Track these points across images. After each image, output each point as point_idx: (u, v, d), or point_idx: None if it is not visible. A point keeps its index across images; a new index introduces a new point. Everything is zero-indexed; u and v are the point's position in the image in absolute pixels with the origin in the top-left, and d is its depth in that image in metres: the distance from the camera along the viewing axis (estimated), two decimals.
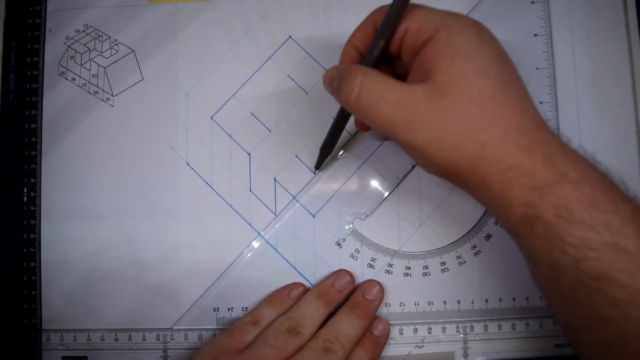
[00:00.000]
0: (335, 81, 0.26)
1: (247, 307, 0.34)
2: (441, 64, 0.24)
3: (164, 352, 0.34)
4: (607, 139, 0.34)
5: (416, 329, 0.34)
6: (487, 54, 0.24)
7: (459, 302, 0.34)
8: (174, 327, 0.34)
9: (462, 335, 0.34)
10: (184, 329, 0.34)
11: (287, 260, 0.34)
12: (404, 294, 0.34)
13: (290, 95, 0.35)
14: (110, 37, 0.36)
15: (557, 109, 0.34)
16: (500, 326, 0.34)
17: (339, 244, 0.34)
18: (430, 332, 0.34)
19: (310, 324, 0.31)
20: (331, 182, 0.35)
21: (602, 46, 0.35)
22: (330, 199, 0.35)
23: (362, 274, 0.34)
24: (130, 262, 0.35)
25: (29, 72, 0.36)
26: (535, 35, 0.35)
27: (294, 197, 0.35)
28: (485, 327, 0.34)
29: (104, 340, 0.34)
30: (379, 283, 0.33)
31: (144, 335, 0.34)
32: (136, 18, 0.36)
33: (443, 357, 0.34)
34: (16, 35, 0.36)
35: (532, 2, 0.35)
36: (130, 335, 0.34)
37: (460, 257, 0.34)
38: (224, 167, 0.35)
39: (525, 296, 0.34)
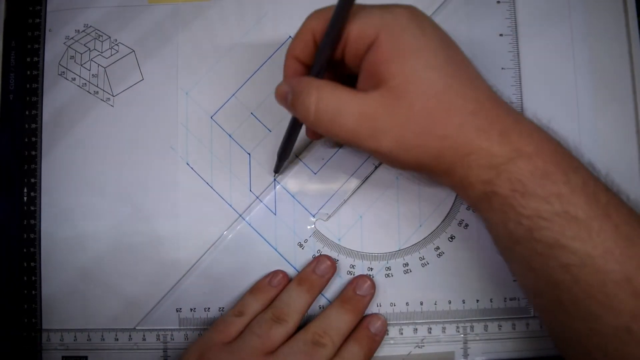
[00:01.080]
0: (288, 96, 0.26)
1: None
2: (391, 68, 0.24)
3: (164, 352, 0.34)
4: (607, 139, 0.34)
5: (416, 329, 0.34)
6: (433, 46, 0.24)
7: (421, 303, 0.34)
8: (173, 328, 0.34)
9: (462, 335, 0.34)
10: (184, 329, 0.34)
11: (287, 261, 0.34)
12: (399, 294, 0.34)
13: None
14: (110, 37, 0.36)
15: (557, 108, 0.34)
16: (500, 326, 0.34)
17: (300, 245, 0.34)
18: (430, 332, 0.34)
19: (294, 311, 0.31)
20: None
21: (602, 46, 0.35)
22: (330, 199, 0.35)
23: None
24: (130, 261, 0.35)
25: (29, 72, 0.36)
26: (501, 35, 0.35)
27: (294, 197, 0.35)
28: (485, 327, 0.34)
29: (104, 340, 0.34)
30: (370, 278, 0.34)
31: (144, 335, 0.34)
32: (136, 18, 0.36)
33: (443, 357, 0.34)
34: (16, 35, 0.36)
35: (498, 2, 0.35)
36: (130, 335, 0.34)
37: (423, 259, 0.34)
38: (224, 167, 0.35)
39: (488, 298, 0.34)
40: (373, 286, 0.33)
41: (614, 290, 0.23)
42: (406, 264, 0.34)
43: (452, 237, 0.34)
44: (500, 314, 0.34)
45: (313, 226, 0.35)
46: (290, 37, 0.36)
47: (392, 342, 0.34)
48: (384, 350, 0.34)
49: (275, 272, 0.34)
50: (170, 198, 0.35)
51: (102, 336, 0.34)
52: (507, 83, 0.35)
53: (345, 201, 0.35)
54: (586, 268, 0.23)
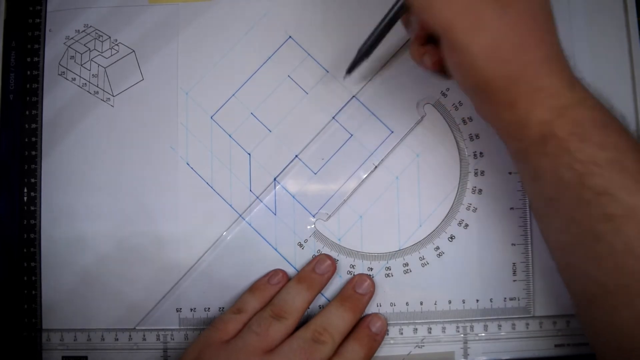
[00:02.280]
0: None
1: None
2: None
3: (164, 352, 0.34)
4: None
5: (416, 329, 0.34)
6: None
7: (421, 303, 0.34)
8: (173, 328, 0.34)
9: (462, 335, 0.34)
10: (184, 329, 0.34)
11: (287, 260, 0.34)
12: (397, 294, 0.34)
13: (290, 95, 0.35)
14: (110, 37, 0.36)
15: None
16: (500, 326, 0.34)
17: (300, 245, 0.34)
18: (430, 332, 0.34)
19: (293, 309, 0.31)
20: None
21: (602, 46, 0.35)
22: (329, 198, 0.35)
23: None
24: (130, 261, 0.35)
25: (29, 72, 0.36)
26: None
27: (294, 197, 0.35)
28: (485, 327, 0.34)
29: (104, 340, 0.34)
30: (369, 277, 0.34)
31: (144, 335, 0.34)
32: (136, 18, 0.36)
33: (443, 357, 0.34)
34: (16, 35, 0.36)
35: None
36: (130, 335, 0.34)
37: (423, 259, 0.34)
38: (224, 167, 0.35)
39: (489, 298, 0.34)
40: (372, 285, 0.33)
41: None
42: (406, 264, 0.34)
43: (452, 237, 0.34)
44: (500, 314, 0.34)
45: (313, 226, 0.35)
46: (290, 37, 0.36)
47: (392, 342, 0.34)
48: (384, 350, 0.34)
49: (275, 271, 0.34)
50: (170, 198, 0.35)
51: (102, 336, 0.34)
52: None
53: (345, 201, 0.35)
54: (629, 219, 0.23)
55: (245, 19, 0.36)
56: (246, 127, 0.35)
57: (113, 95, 0.36)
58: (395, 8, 0.28)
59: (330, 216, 0.35)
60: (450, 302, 0.34)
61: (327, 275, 0.33)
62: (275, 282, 0.33)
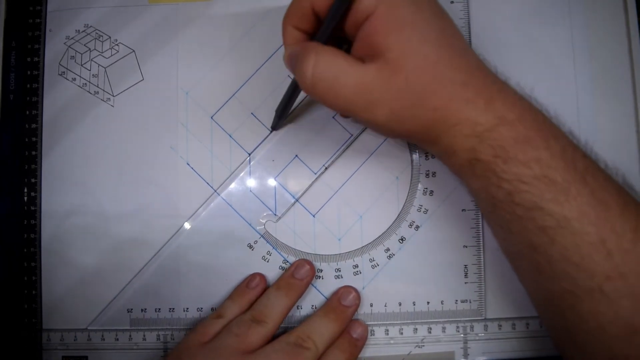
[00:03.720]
0: (293, 60, 0.27)
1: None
2: (388, 40, 0.24)
3: (164, 352, 0.34)
4: (607, 138, 0.34)
5: (416, 329, 0.34)
6: (427, 18, 0.25)
7: (371, 305, 0.34)
8: (174, 327, 0.34)
9: (462, 335, 0.34)
10: (184, 328, 0.34)
11: (287, 260, 0.34)
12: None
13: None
14: (110, 37, 0.36)
15: (557, 108, 0.34)
16: (500, 326, 0.34)
17: (250, 246, 0.35)
18: (430, 332, 0.34)
19: (272, 313, 0.32)
20: (331, 183, 0.35)
21: (602, 46, 0.35)
22: (329, 199, 0.35)
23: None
24: (130, 261, 0.35)
25: (29, 72, 0.36)
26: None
27: (294, 197, 0.35)
28: (485, 327, 0.34)
29: (104, 340, 0.34)
30: (355, 290, 0.34)
31: (144, 335, 0.34)
32: (136, 18, 0.36)
33: (443, 357, 0.34)
34: (16, 35, 0.36)
35: (452, 2, 0.35)
36: (130, 335, 0.34)
37: (373, 260, 0.34)
38: (224, 167, 0.35)
39: (440, 300, 0.34)
40: (358, 297, 0.33)
41: (588, 252, 0.24)
42: (356, 266, 0.34)
43: (402, 239, 0.34)
44: (451, 316, 0.34)
45: (263, 227, 0.35)
46: None
47: (392, 342, 0.34)
48: (384, 350, 0.34)
49: (253, 275, 0.34)
50: (170, 198, 0.35)
51: (102, 336, 0.34)
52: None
53: (295, 202, 0.35)
54: (562, 230, 0.24)
55: (245, 19, 0.36)
56: (246, 127, 0.35)
57: (113, 95, 0.36)
58: (295, 83, 0.29)
59: (279, 218, 0.35)
60: (400, 304, 0.34)
61: (306, 280, 0.33)
62: (253, 286, 0.33)
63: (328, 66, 0.25)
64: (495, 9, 0.35)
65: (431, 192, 0.34)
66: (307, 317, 0.33)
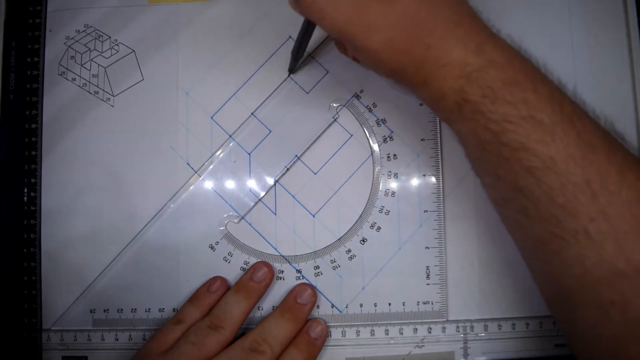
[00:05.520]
0: None
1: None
2: None
3: None
4: None
5: (416, 329, 0.34)
6: None
7: (332, 306, 0.34)
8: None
9: (462, 335, 0.34)
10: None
11: (287, 260, 0.34)
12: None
13: (290, 95, 0.35)
14: (110, 37, 0.36)
15: None
16: (500, 326, 0.34)
17: (212, 247, 0.35)
18: (430, 332, 0.34)
19: (230, 318, 0.31)
20: (331, 182, 0.35)
21: (602, 46, 0.35)
22: (329, 199, 0.35)
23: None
24: (130, 261, 0.35)
25: (29, 72, 0.36)
26: None
27: (294, 197, 0.35)
28: (485, 327, 0.34)
29: (104, 340, 0.34)
30: (311, 287, 0.34)
31: (144, 335, 0.34)
32: (136, 18, 0.36)
33: (443, 357, 0.34)
34: (16, 35, 0.36)
35: None
36: (130, 335, 0.34)
37: (335, 261, 0.34)
38: (224, 167, 0.35)
39: (401, 301, 0.34)
40: (314, 295, 0.33)
41: (573, 193, 0.24)
42: (317, 267, 0.34)
43: (364, 240, 0.34)
44: (413, 318, 0.34)
45: (224, 228, 0.34)
46: (290, 37, 0.36)
47: (392, 342, 0.34)
48: (384, 350, 0.34)
49: (214, 279, 0.34)
50: (170, 198, 0.35)
51: (102, 336, 0.34)
52: None
53: (256, 204, 0.35)
54: (548, 171, 0.24)
55: (245, 19, 0.36)
56: (246, 127, 0.35)
57: (113, 95, 0.36)
58: (306, 22, 0.29)
59: (242, 218, 0.34)
60: (361, 305, 0.34)
61: (264, 283, 0.33)
62: (214, 290, 0.33)
63: None
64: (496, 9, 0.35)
65: (393, 193, 0.34)
66: (263, 319, 0.33)
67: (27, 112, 0.36)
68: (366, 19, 0.25)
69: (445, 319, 0.34)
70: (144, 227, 0.35)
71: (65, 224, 0.35)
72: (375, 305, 0.34)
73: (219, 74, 0.36)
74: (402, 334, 0.34)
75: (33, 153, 0.35)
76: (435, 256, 0.34)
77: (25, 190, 0.35)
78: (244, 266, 0.34)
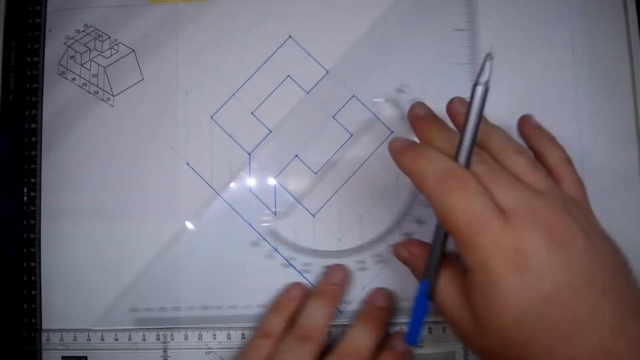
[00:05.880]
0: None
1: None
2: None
3: (163, 352, 0.34)
4: (607, 139, 0.34)
5: None
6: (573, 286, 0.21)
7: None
8: (173, 327, 0.34)
9: None
10: (183, 328, 0.34)
11: (286, 260, 0.34)
12: None
13: (290, 95, 0.35)
14: (110, 37, 0.36)
15: (557, 108, 0.34)
16: None
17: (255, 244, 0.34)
18: (430, 332, 0.34)
19: (318, 326, 0.31)
20: (331, 182, 0.35)
21: (602, 46, 0.35)
22: (330, 199, 0.35)
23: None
24: (130, 261, 0.35)
25: (29, 72, 0.36)
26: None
27: (294, 197, 0.35)
28: None
29: (103, 340, 0.34)
30: (385, 289, 0.33)
31: (143, 335, 0.34)
32: (136, 18, 0.36)
33: (443, 357, 0.34)
34: (16, 35, 0.36)
35: None
36: (130, 335, 0.34)
37: (379, 256, 0.34)
38: (224, 167, 0.35)
39: None
40: (390, 295, 0.33)
41: None
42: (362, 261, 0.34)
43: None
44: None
45: (270, 224, 0.35)
46: (290, 37, 0.36)
47: None
48: None
49: (292, 285, 0.34)
50: (170, 198, 0.35)
51: (102, 336, 0.34)
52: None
53: (299, 201, 0.34)
54: None
55: (245, 19, 0.36)
56: (246, 127, 0.35)
57: (113, 95, 0.36)
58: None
59: (286, 215, 0.34)
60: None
61: (343, 284, 0.33)
62: (294, 297, 0.33)
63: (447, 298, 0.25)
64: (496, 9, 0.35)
65: None
66: (345, 330, 0.32)
67: (27, 112, 0.36)
68: (474, 322, 0.23)
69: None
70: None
71: (65, 224, 0.35)
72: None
73: (219, 74, 0.36)
74: None
75: (33, 153, 0.35)
76: None
77: (25, 190, 0.35)
78: (287, 264, 0.34)
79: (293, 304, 0.33)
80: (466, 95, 0.25)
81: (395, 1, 0.35)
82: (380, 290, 0.33)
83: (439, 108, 0.29)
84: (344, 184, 0.35)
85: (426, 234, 0.34)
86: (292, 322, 0.32)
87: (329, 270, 0.34)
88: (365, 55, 0.35)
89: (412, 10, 0.35)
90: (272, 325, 0.32)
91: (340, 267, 0.34)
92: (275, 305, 0.33)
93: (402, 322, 0.34)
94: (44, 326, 0.35)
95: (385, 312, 0.33)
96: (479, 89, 0.23)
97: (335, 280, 0.33)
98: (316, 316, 0.32)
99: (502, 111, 0.34)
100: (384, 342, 0.32)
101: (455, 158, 0.24)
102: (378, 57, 0.35)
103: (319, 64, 0.35)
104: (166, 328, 0.34)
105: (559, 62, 0.35)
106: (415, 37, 0.35)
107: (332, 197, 0.35)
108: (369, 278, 0.34)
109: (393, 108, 0.35)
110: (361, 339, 0.31)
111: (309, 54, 0.35)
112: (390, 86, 0.35)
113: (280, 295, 0.34)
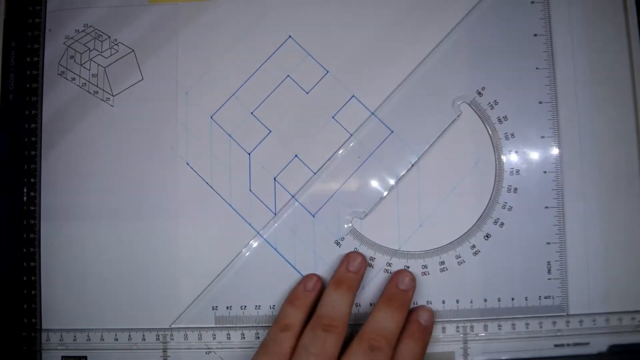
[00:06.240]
0: None
1: (245, 306, 0.34)
2: None
3: (163, 352, 0.34)
4: (607, 139, 0.34)
5: None
6: None
7: (457, 301, 0.34)
8: (173, 326, 0.34)
9: (462, 335, 0.34)
10: (183, 328, 0.34)
11: (286, 260, 0.34)
12: None
13: (290, 95, 0.35)
14: (110, 37, 0.36)
15: (557, 108, 0.34)
16: (500, 326, 0.34)
17: (338, 243, 0.34)
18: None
19: (339, 314, 0.31)
20: (331, 182, 0.35)
21: (602, 46, 0.35)
22: (329, 198, 0.35)
23: None
24: (130, 261, 0.35)
25: (29, 72, 0.36)
26: (535, 35, 0.35)
27: (294, 197, 0.35)
28: (485, 327, 0.34)
29: (103, 340, 0.34)
30: (409, 272, 0.33)
31: (143, 335, 0.34)
32: (136, 18, 0.36)
33: (443, 357, 0.34)
34: (16, 35, 0.36)
35: (532, 2, 0.35)
36: (130, 335, 0.34)
37: (460, 257, 0.34)
38: (224, 167, 0.35)
39: (524, 296, 0.34)
40: (413, 279, 0.33)
41: None
42: (442, 262, 0.34)
43: (487, 236, 0.34)
44: (499, 314, 0.34)
45: (350, 224, 0.34)
46: (290, 37, 0.35)
47: None
48: None
49: (309, 276, 0.33)
50: (170, 198, 0.35)
51: (102, 336, 0.34)
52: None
53: (382, 199, 0.34)
54: None
55: (245, 19, 0.36)
56: (246, 127, 0.35)
57: (113, 95, 0.36)
58: None
59: (367, 214, 0.34)
60: (485, 300, 0.34)
61: (361, 272, 0.33)
62: (311, 288, 0.33)
63: None
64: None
65: (515, 190, 0.34)
66: (369, 313, 0.32)
67: (27, 112, 0.36)
68: None
69: (566, 313, 0.34)
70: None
71: (65, 224, 0.35)
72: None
73: (219, 74, 0.36)
74: None
75: (33, 153, 0.35)
76: (556, 251, 0.34)
77: (25, 190, 0.35)
78: (370, 262, 0.34)
79: (311, 295, 0.33)
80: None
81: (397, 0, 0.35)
82: (403, 273, 0.33)
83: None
84: (343, 183, 0.35)
85: (427, 234, 0.34)
86: (310, 314, 0.32)
87: (348, 257, 0.33)
88: (366, 55, 0.35)
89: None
90: (291, 318, 0.32)
91: (358, 255, 0.33)
92: (292, 297, 0.33)
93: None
94: (44, 326, 0.35)
95: (408, 294, 0.33)
96: None
97: (354, 267, 0.33)
98: (338, 305, 0.31)
99: (502, 111, 0.35)
100: (409, 314, 0.32)
101: None
102: (378, 57, 0.35)
103: (319, 64, 0.35)
104: (166, 328, 0.34)
105: (559, 62, 0.35)
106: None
107: (331, 196, 0.35)
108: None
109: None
110: (384, 321, 0.31)
111: (309, 54, 0.35)
112: (473, 89, 0.35)
113: (296, 287, 0.33)
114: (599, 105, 0.35)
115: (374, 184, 0.35)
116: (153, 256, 0.35)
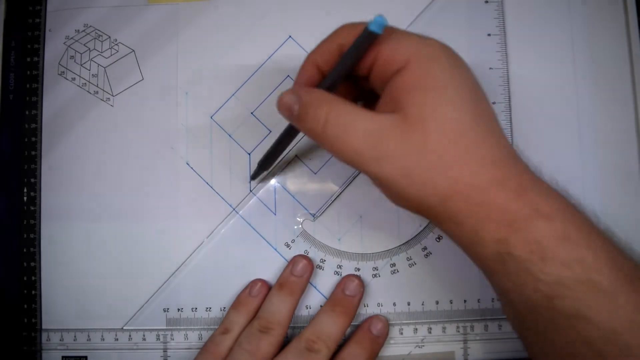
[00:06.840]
0: (295, 107, 0.24)
1: (196, 308, 0.34)
2: (413, 96, 0.22)
3: (163, 352, 0.34)
4: (607, 139, 0.34)
5: (416, 329, 0.34)
6: (461, 85, 0.23)
7: (409, 303, 0.34)
8: (174, 327, 0.34)
9: (462, 335, 0.34)
10: (183, 328, 0.34)
11: (286, 260, 0.34)
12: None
13: None
14: (110, 37, 0.36)
15: (557, 108, 0.34)
16: (501, 326, 0.34)
17: (288, 245, 0.34)
18: (430, 332, 0.34)
19: (279, 317, 0.31)
20: (330, 183, 0.35)
21: (602, 46, 0.35)
22: (328, 199, 0.35)
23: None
24: (130, 261, 0.35)
25: (29, 72, 0.36)
26: (489, 35, 0.35)
27: (294, 197, 0.35)
28: (486, 327, 0.34)
29: (103, 340, 0.34)
30: (358, 277, 0.33)
31: (143, 335, 0.34)
32: (136, 18, 0.36)
33: (443, 357, 0.34)
34: (16, 35, 0.36)
35: (486, 2, 0.35)
36: (130, 335, 0.34)
37: (410, 259, 0.34)
38: (224, 167, 0.35)
39: (476, 298, 0.34)
40: (361, 285, 0.33)
41: None
42: (393, 264, 0.34)
43: (439, 238, 0.34)
44: (489, 315, 0.34)
45: (300, 226, 0.35)
46: (290, 37, 0.36)
47: (392, 342, 0.34)
48: (384, 350, 0.34)
49: (254, 282, 0.34)
50: (170, 198, 0.35)
51: (102, 336, 0.34)
52: (496, 83, 0.35)
53: (332, 201, 0.34)
54: (610, 343, 0.21)
55: (245, 19, 0.36)
56: (246, 127, 0.35)
57: (113, 95, 0.36)
58: (289, 130, 0.28)
59: (317, 217, 0.34)
60: (437, 302, 0.34)
61: (306, 276, 0.33)
62: (256, 293, 0.33)
63: (341, 114, 0.23)
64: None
65: None
66: (314, 316, 0.33)
67: (27, 112, 0.36)
68: (377, 146, 0.23)
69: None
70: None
71: (65, 224, 0.35)
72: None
73: (219, 74, 0.36)
74: (402, 334, 0.34)
75: (33, 153, 0.35)
76: None
77: (25, 190, 0.35)
78: (320, 264, 0.34)
79: (255, 300, 0.33)
80: None
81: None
82: (351, 277, 0.33)
83: None
84: (343, 183, 0.35)
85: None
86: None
87: (292, 261, 0.33)
88: None
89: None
90: (233, 322, 0.32)
91: (303, 258, 0.33)
92: (236, 302, 0.33)
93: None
94: (44, 326, 0.35)
95: (354, 300, 0.33)
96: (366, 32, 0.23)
97: (298, 272, 0.33)
98: (277, 308, 0.32)
99: (501, 111, 0.35)
100: (362, 323, 0.33)
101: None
102: None
103: None
104: (166, 328, 0.34)
105: (559, 62, 0.35)
106: None
107: (332, 197, 0.35)
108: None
109: None
110: (326, 325, 0.31)
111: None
112: None
113: (241, 292, 0.34)
114: (599, 105, 0.35)
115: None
116: (153, 256, 0.35)
